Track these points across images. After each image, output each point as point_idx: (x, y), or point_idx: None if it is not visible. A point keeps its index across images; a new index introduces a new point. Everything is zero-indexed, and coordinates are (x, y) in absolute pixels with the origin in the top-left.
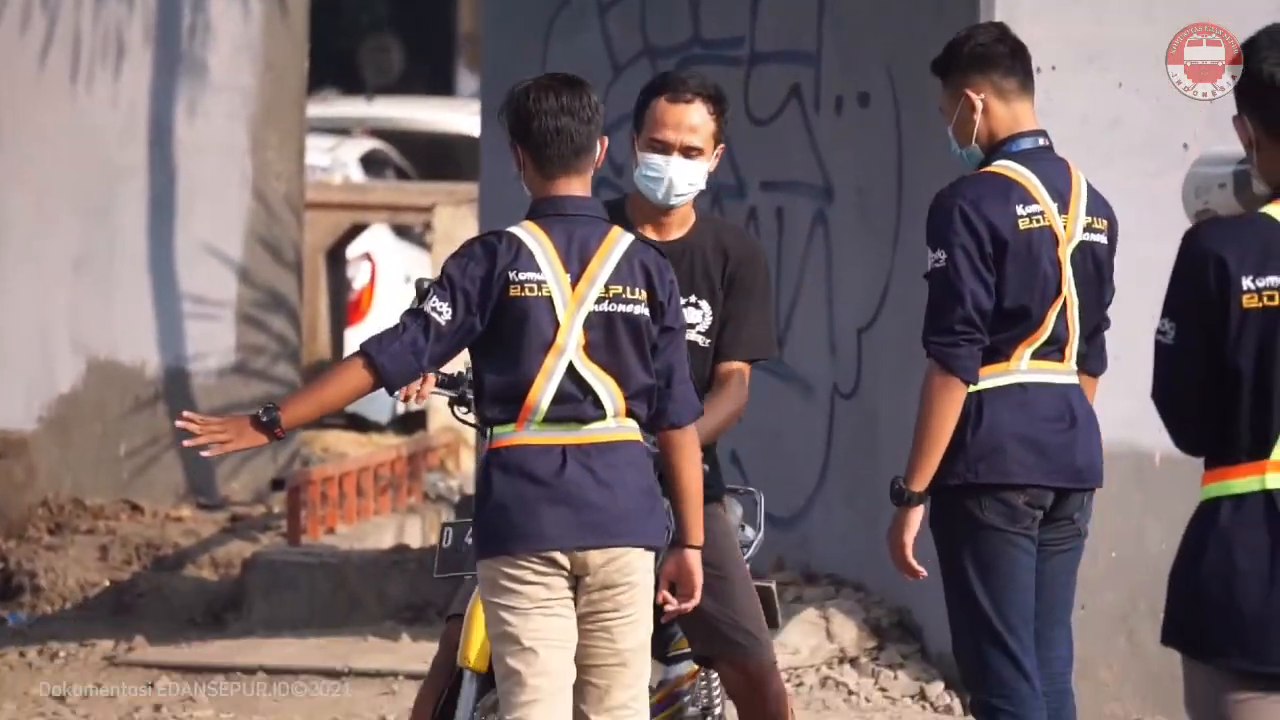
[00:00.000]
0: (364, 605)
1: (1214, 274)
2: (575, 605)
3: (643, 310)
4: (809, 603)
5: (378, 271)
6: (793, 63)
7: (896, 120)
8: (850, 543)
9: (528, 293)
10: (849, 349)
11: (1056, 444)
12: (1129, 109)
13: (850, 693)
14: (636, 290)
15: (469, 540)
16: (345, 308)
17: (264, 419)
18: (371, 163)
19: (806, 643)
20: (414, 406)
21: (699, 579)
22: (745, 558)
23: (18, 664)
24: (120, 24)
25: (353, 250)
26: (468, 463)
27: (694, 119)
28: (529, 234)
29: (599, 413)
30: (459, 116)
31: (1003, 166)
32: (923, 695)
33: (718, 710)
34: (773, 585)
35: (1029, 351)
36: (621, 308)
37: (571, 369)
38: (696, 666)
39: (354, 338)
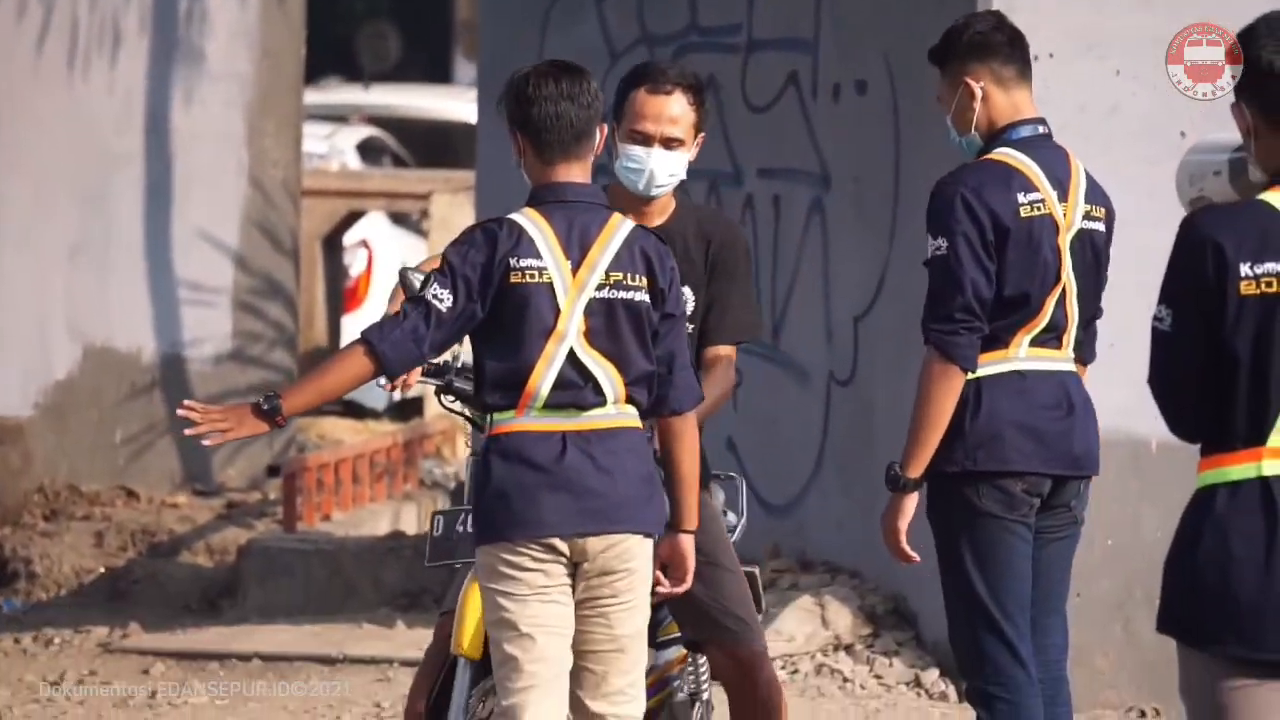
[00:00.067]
0: (359, 592)
1: (1212, 260)
2: (573, 591)
3: (643, 297)
4: (804, 590)
5: (374, 258)
6: (790, 50)
7: (894, 108)
8: (846, 530)
9: (529, 279)
10: (845, 337)
11: (1054, 432)
12: (1127, 97)
13: (845, 680)
14: (637, 277)
15: (460, 528)
16: (342, 295)
17: (265, 407)
18: (369, 150)
19: (802, 630)
20: (396, 396)
21: (691, 563)
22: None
23: (12, 651)
24: (117, 11)
25: (349, 237)
26: (464, 449)
27: (674, 110)
28: (529, 221)
29: (599, 399)
30: (456, 104)
31: (1003, 154)
32: (918, 682)
33: (705, 695)
34: (756, 570)
35: (1028, 339)
36: (622, 294)
37: (572, 355)
38: (685, 651)
39: (351, 325)
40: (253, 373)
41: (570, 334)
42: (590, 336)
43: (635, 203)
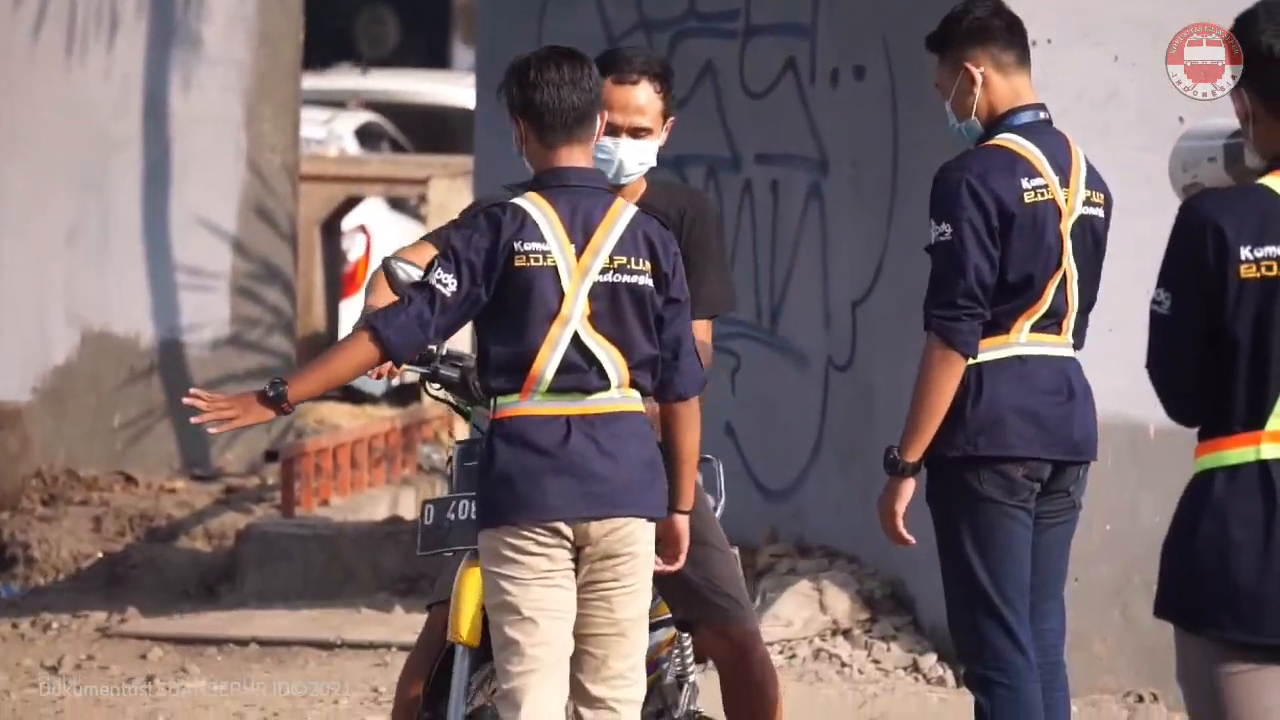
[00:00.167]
0: (357, 577)
1: (1212, 244)
2: (575, 576)
3: (647, 281)
4: (802, 574)
5: (373, 244)
6: (788, 35)
7: (892, 93)
8: (844, 515)
9: (533, 263)
10: (844, 321)
11: (1055, 417)
12: (1124, 83)
13: (843, 665)
14: (640, 261)
15: (451, 516)
16: (340, 280)
17: (271, 394)
18: (367, 135)
19: (799, 614)
20: (383, 385)
21: (685, 542)
22: None
23: (10, 635)
24: None
25: (348, 222)
26: (462, 435)
27: (640, 99)
28: (533, 205)
29: (603, 383)
30: (454, 89)
31: (1006, 140)
32: (915, 667)
33: (692, 677)
34: (735, 551)
35: (1028, 324)
36: (626, 278)
37: (576, 339)
38: (674, 633)
39: (349, 310)
40: (251, 358)
41: (574, 318)
42: (594, 320)
43: None
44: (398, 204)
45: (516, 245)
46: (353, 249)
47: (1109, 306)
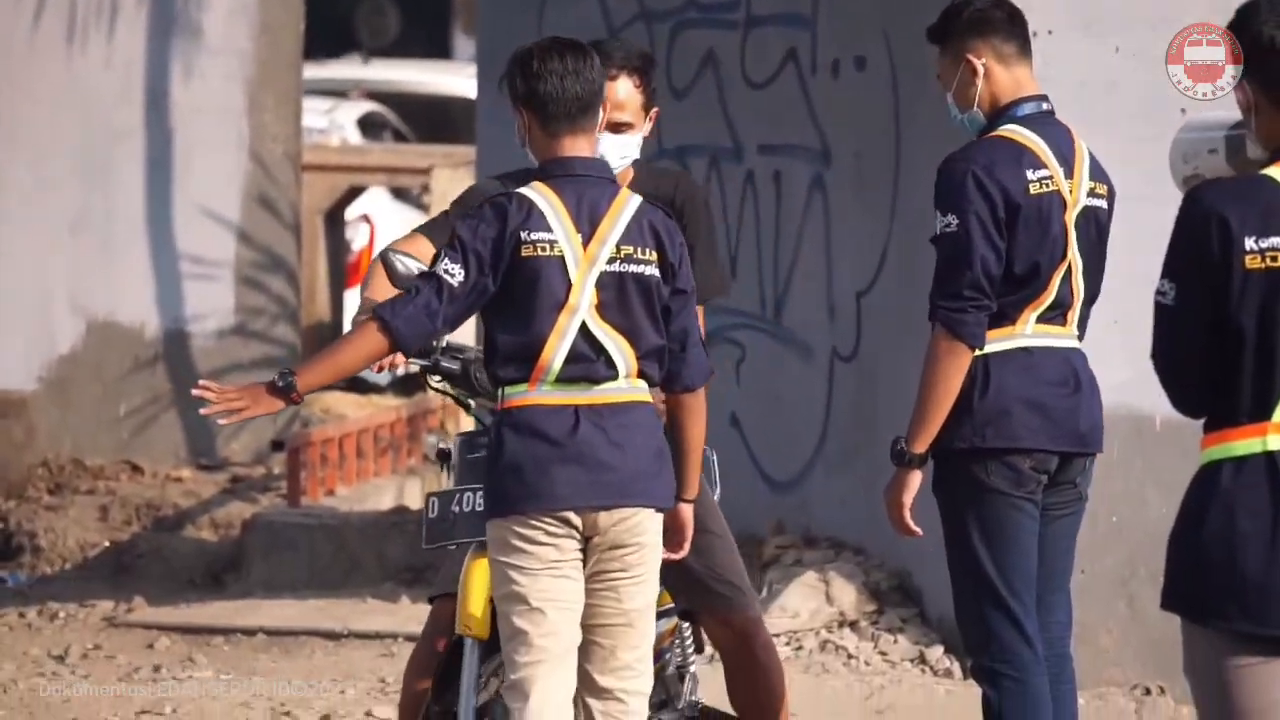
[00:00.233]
0: (363, 567)
1: (1216, 234)
2: (583, 566)
3: (653, 271)
4: (808, 566)
5: (376, 233)
6: (789, 26)
7: (893, 84)
8: (850, 506)
9: (540, 253)
10: (848, 312)
11: (1062, 408)
12: (1126, 74)
13: (850, 656)
14: (647, 251)
15: (455, 509)
16: (344, 269)
17: (280, 384)
18: (369, 125)
19: (806, 606)
20: (385, 378)
21: (690, 530)
22: None
23: (17, 624)
24: None
25: (351, 212)
26: (468, 425)
27: (619, 94)
28: (539, 195)
29: (611, 373)
30: (456, 79)
31: (1011, 131)
32: (922, 659)
33: (692, 668)
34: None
35: (1034, 315)
36: (633, 268)
37: (584, 329)
38: (675, 623)
39: (353, 300)
40: (255, 347)
41: (582, 307)
42: (602, 310)
43: None
44: (401, 194)
45: (523, 235)
46: (356, 239)
47: (1113, 298)
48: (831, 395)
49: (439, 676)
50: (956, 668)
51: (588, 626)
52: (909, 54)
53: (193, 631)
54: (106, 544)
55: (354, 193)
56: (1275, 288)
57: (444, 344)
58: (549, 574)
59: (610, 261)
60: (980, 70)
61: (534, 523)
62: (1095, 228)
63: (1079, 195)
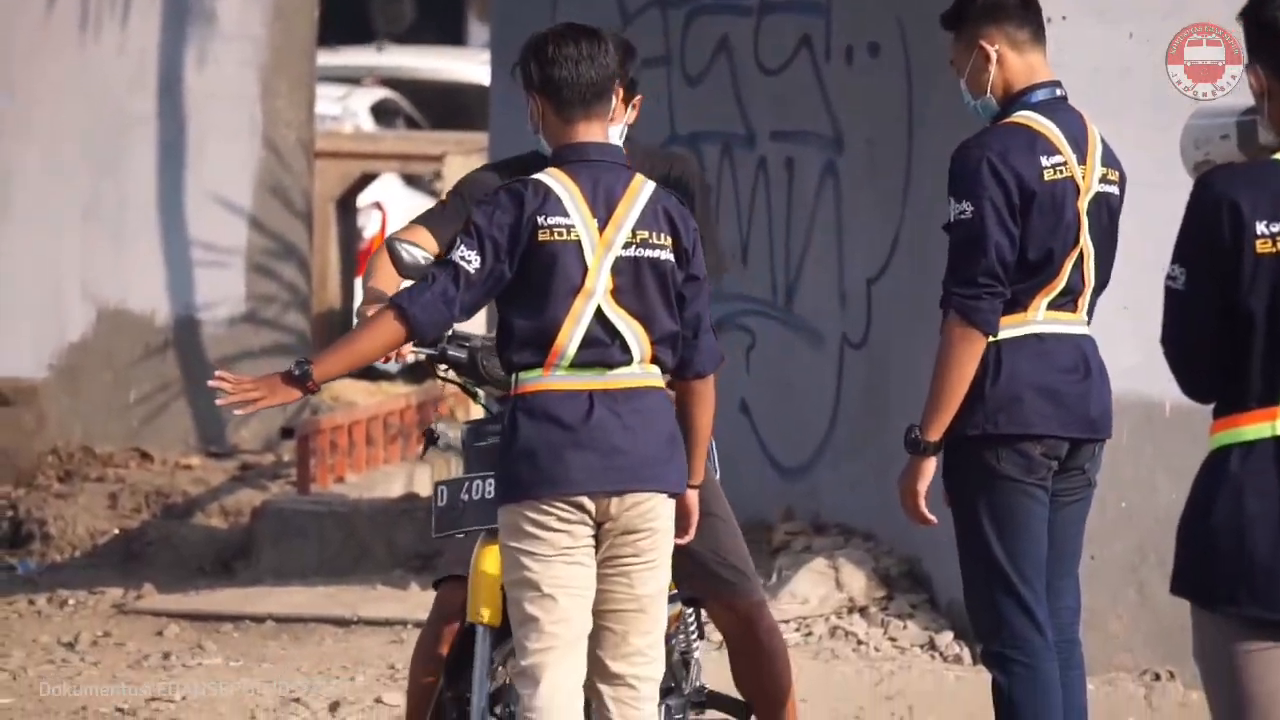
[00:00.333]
0: (373, 554)
1: (1227, 219)
2: (595, 552)
3: (668, 256)
4: (818, 552)
5: (388, 220)
6: (803, 13)
7: (907, 70)
8: (860, 492)
9: (556, 237)
10: (859, 299)
11: (1073, 394)
12: (1139, 60)
13: (859, 642)
14: (662, 236)
15: (464, 498)
16: (356, 257)
17: (296, 373)
18: (382, 112)
19: (815, 592)
20: (395, 367)
21: (696, 516)
22: None
23: (27, 612)
24: None
25: (363, 199)
26: (478, 413)
27: None
28: (555, 180)
29: (625, 357)
30: (470, 66)
31: (1025, 117)
32: (932, 645)
33: (696, 654)
34: None
35: (1046, 302)
36: (648, 253)
37: (600, 313)
38: (680, 609)
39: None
40: (266, 334)
41: (598, 292)
42: (617, 295)
43: None
44: (413, 180)
45: (540, 219)
46: (368, 225)
47: (1123, 284)
48: (841, 382)
49: (451, 663)
50: (966, 653)
51: (599, 612)
52: (923, 41)
53: (202, 619)
54: (116, 531)
55: (366, 180)
56: None
57: (450, 332)
58: (561, 560)
59: (626, 246)
60: (993, 57)
61: (547, 508)
62: (1107, 214)
63: (1091, 181)
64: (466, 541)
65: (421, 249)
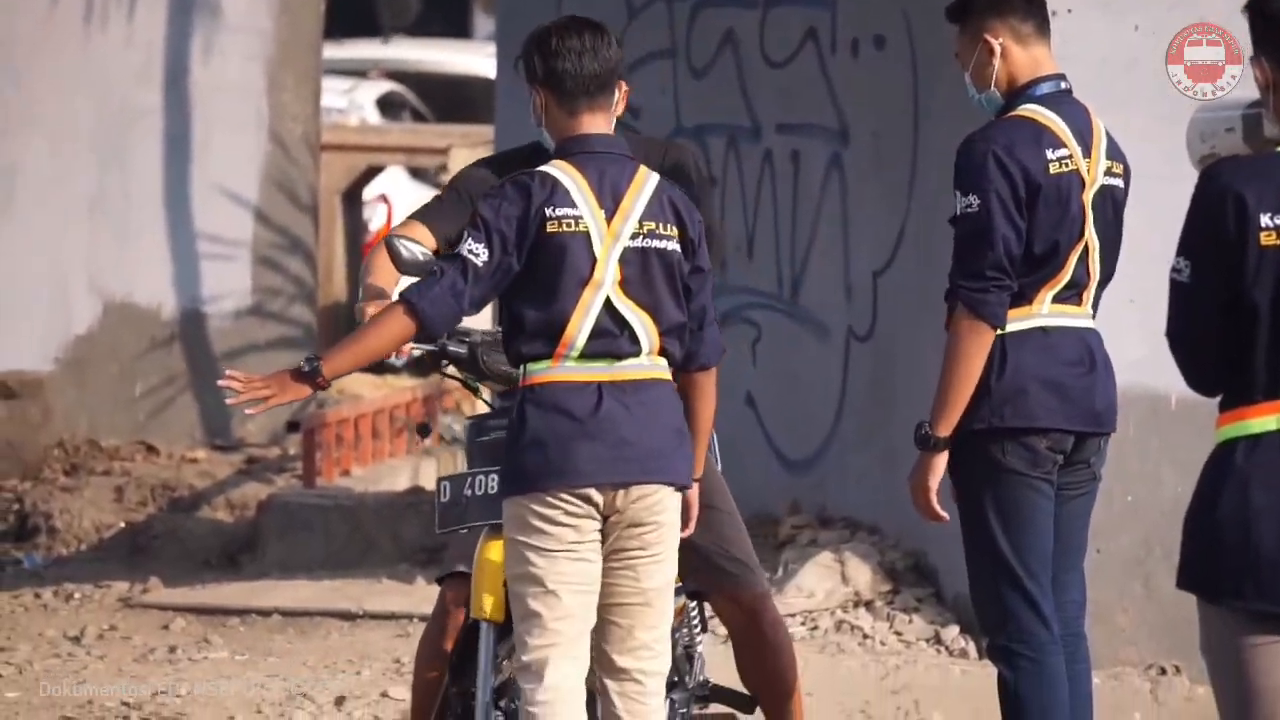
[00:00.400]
0: (379, 547)
1: (1232, 212)
2: (601, 546)
3: (675, 247)
4: (824, 546)
5: (394, 213)
6: (808, 6)
7: (912, 63)
8: (866, 486)
9: (564, 229)
10: (865, 292)
11: (1078, 388)
12: (1145, 53)
13: (865, 636)
14: (669, 227)
15: (468, 493)
16: (361, 250)
17: (306, 369)
18: (388, 105)
19: (821, 586)
20: (399, 363)
21: (696, 509)
22: None
23: (33, 605)
24: None
25: (369, 192)
26: (484, 407)
27: None
28: (562, 172)
29: (634, 349)
30: (475, 59)
31: (1030, 111)
32: (938, 639)
33: (700, 647)
34: None
35: (1050, 295)
36: (655, 243)
37: (609, 304)
38: (683, 603)
39: None
40: (272, 327)
41: (606, 283)
42: (625, 286)
43: None
44: (419, 174)
45: (548, 211)
46: (374, 218)
47: (1128, 277)
48: (847, 375)
49: (456, 658)
50: (972, 647)
51: (605, 606)
52: (928, 33)
53: (208, 612)
54: (122, 525)
55: (372, 173)
56: None
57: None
58: (567, 556)
59: (634, 237)
60: (997, 50)
61: (554, 501)
62: (1112, 207)
63: (1096, 174)
64: (470, 537)
65: (419, 245)
